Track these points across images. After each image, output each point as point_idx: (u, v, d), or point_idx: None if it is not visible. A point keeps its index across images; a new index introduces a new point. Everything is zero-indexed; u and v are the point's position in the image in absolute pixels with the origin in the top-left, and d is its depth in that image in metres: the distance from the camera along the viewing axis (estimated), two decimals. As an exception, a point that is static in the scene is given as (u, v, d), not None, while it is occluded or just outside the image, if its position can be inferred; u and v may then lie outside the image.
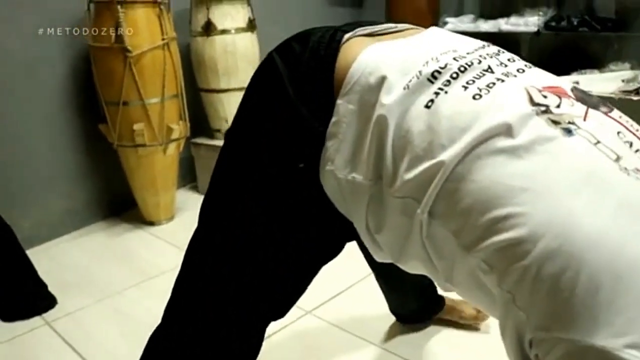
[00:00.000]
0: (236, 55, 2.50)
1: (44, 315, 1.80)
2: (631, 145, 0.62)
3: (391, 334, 1.58)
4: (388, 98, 0.68)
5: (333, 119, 0.72)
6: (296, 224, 0.79)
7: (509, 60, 0.72)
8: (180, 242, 2.26)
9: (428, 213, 0.65)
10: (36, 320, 1.77)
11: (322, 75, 0.72)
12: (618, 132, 0.63)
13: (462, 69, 0.68)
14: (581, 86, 2.48)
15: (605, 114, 0.66)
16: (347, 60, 0.72)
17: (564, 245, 0.54)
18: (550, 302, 0.55)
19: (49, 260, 2.12)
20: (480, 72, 0.68)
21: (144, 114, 2.19)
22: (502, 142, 0.60)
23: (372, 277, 1.43)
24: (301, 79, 0.73)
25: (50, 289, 1.86)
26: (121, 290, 1.94)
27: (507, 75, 0.67)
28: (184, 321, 0.88)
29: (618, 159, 0.59)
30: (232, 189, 0.82)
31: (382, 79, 0.69)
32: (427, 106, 0.66)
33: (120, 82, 2.13)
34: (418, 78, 0.67)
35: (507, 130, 0.61)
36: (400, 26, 0.81)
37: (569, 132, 0.61)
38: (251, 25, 2.54)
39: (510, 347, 0.62)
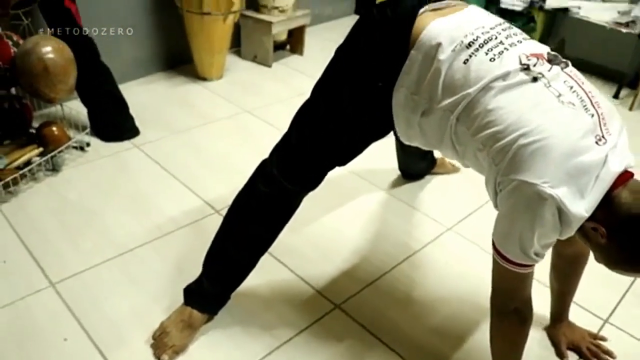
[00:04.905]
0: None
1: (132, 140, 2.34)
2: (571, 88, 1.08)
3: (396, 184, 2.19)
4: (442, 56, 1.11)
5: (407, 62, 1.15)
6: (368, 112, 1.26)
7: (514, 34, 1.16)
8: (229, 96, 2.79)
9: (456, 119, 1.12)
10: (126, 144, 2.31)
11: (403, 33, 1.16)
12: (565, 81, 1.09)
13: (486, 40, 1.12)
14: (582, 11, 2.90)
15: (562, 69, 1.13)
16: (419, 28, 1.15)
17: (520, 133, 1.02)
18: (511, 161, 1.03)
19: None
20: (496, 44, 1.12)
21: (212, -14, 2.60)
22: (500, 84, 1.07)
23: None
24: (389, 32, 1.19)
25: (132, 122, 2.39)
26: (188, 128, 2.47)
27: (511, 45, 1.12)
28: (284, 145, 1.38)
29: (560, 95, 1.05)
30: (337, 82, 1.28)
31: (439, 44, 1.12)
32: (464, 62, 1.10)
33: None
34: (460, 45, 1.11)
35: (503, 76, 1.07)
36: (454, 2, 1.23)
37: (535, 79, 1.07)
38: None
39: (490, 189, 1.14)
